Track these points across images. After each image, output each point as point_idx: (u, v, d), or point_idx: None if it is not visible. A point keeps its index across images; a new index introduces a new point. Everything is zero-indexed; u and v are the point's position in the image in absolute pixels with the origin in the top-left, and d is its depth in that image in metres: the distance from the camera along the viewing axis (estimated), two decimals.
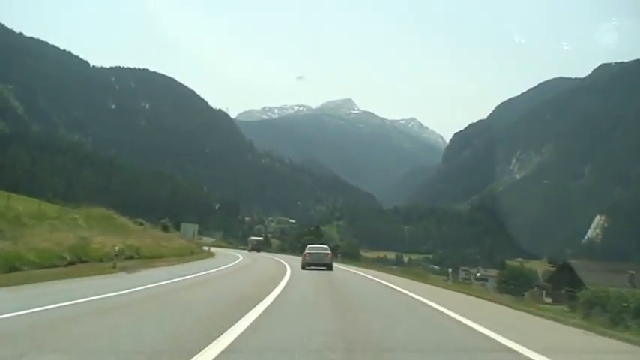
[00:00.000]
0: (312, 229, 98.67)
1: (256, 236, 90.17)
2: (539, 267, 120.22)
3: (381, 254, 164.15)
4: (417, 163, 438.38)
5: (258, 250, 74.72)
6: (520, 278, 71.44)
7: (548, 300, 50.62)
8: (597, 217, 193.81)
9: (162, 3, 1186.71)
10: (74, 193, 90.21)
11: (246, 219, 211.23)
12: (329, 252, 34.70)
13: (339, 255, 66.83)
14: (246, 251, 73.86)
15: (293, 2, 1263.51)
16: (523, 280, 72.14)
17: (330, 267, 32.49)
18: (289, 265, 35.00)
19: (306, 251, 34.12)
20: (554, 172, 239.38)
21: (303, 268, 31.53)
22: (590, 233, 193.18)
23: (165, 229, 60.81)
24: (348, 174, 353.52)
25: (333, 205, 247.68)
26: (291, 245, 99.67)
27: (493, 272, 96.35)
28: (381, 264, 77.37)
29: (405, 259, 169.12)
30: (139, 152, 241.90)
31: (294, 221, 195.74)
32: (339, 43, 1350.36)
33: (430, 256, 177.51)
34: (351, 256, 76.28)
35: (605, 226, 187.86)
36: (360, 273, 34.09)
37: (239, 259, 43.98)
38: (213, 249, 59.04)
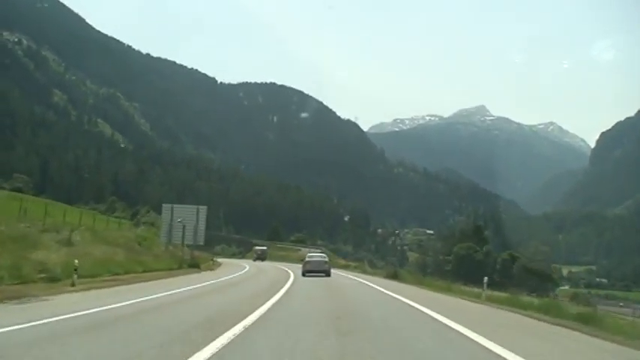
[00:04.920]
0: (472, 231, 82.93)
1: (260, 246, 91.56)
2: None
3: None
4: (560, 168, 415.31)
5: (263, 260, 78.49)
6: None
7: None
8: None
9: (288, 19, 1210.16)
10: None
11: (379, 231, 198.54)
12: (327, 260, 38.17)
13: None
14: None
15: (418, 11, 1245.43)
16: None
17: (328, 274, 34.72)
18: None
19: (306, 259, 37.55)
20: None
21: (304, 275, 33.61)
22: None
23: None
24: (485, 182, 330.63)
25: (474, 213, 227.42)
26: (435, 260, 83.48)
27: None
28: None
29: (564, 272, 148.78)
30: (268, 165, 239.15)
31: (432, 232, 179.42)
32: (468, 50, 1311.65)
33: (593, 267, 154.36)
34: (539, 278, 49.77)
35: None
36: None
37: None
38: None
